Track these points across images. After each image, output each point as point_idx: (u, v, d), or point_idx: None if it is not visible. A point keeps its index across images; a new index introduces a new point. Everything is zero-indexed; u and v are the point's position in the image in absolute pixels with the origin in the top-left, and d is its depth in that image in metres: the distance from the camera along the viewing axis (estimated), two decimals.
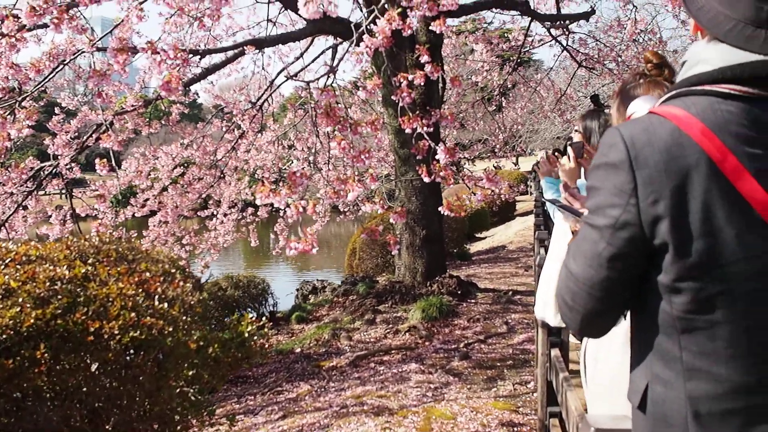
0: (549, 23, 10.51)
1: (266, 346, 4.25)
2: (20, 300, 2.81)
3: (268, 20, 8.78)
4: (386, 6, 4.25)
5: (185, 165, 9.39)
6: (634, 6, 10.51)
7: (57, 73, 5.47)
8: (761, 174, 1.07)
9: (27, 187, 6.71)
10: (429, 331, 7.63)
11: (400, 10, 4.15)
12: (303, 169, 4.47)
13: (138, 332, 3.01)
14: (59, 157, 6.50)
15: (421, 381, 5.92)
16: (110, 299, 3.08)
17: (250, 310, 10.24)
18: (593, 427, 1.64)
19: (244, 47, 6.84)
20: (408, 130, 4.64)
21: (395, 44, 4.97)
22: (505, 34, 13.25)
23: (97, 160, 6.02)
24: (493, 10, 9.92)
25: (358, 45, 4.20)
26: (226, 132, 9.20)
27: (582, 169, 2.44)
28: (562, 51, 11.27)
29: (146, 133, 7.13)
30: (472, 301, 8.90)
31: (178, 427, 3.47)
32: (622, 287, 1.20)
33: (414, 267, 9.23)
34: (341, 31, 7.45)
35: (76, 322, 2.86)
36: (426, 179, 4.85)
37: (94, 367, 2.95)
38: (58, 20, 4.30)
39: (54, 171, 6.71)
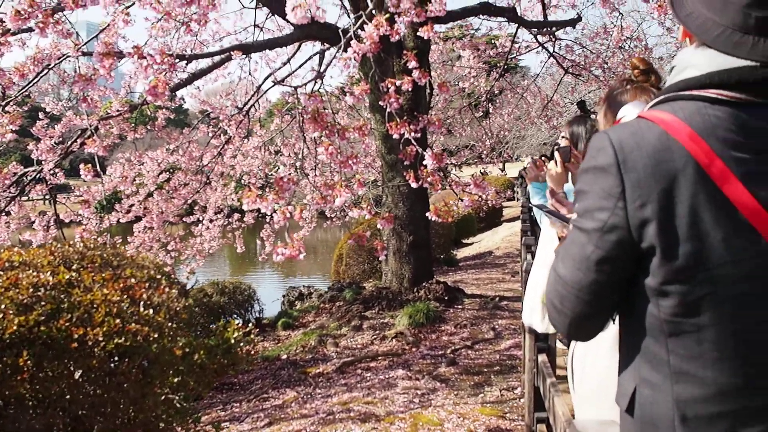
0: (536, 30, 10.56)
1: (252, 352, 4.21)
2: (3, 306, 2.78)
3: (255, 25, 8.80)
4: (374, 12, 4.26)
5: (171, 170, 9.34)
6: (620, 13, 10.59)
7: (42, 77, 5.43)
8: (748, 178, 1.07)
9: (10, 192, 6.65)
10: (416, 337, 7.62)
11: (387, 15, 4.16)
12: (290, 174, 4.45)
13: (123, 339, 2.98)
14: (43, 162, 6.45)
15: (408, 387, 5.91)
16: (95, 305, 3.05)
17: (236, 316, 10.17)
18: None
19: (231, 52, 6.83)
20: (395, 136, 4.64)
21: (383, 50, 4.97)
22: (492, 41, 13.29)
23: (81, 166, 5.98)
24: (481, 16, 9.96)
25: (345, 50, 4.20)
26: (212, 137, 9.17)
27: (569, 174, 2.45)
28: (549, 57, 11.33)
29: (132, 138, 7.09)
30: (459, 307, 8.90)
31: None
32: (610, 290, 1.20)
33: (401, 273, 9.22)
34: (329, 37, 7.46)
35: (59, 329, 2.83)
36: (413, 185, 4.85)
37: (77, 374, 2.92)
38: (43, 24, 4.28)
39: (38, 176, 6.66)
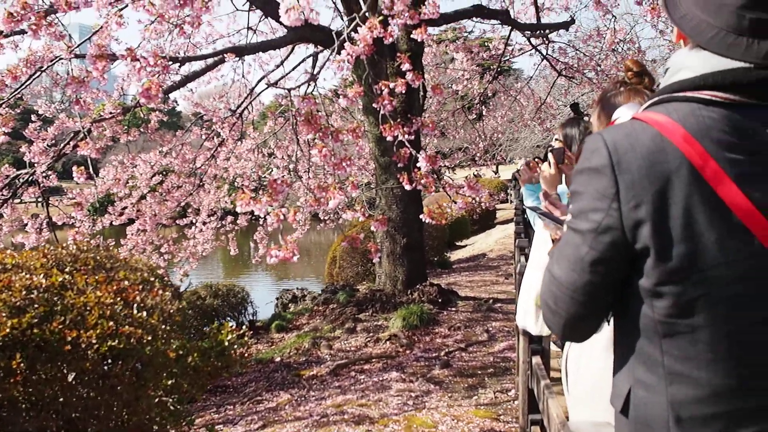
0: (529, 32, 10.59)
1: (246, 355, 4.21)
2: None
3: (249, 28, 8.78)
4: (367, 14, 4.26)
5: (164, 173, 9.33)
6: (613, 16, 10.63)
7: (34, 79, 5.41)
8: (742, 179, 1.08)
9: (2, 195, 6.62)
10: (410, 339, 7.62)
11: (381, 18, 4.16)
12: (283, 176, 4.45)
13: (116, 341, 2.97)
14: (36, 164, 6.43)
15: (401, 389, 5.90)
16: (88, 308, 3.04)
17: (229, 319, 10.15)
18: None
19: (224, 55, 6.82)
20: (389, 138, 4.64)
21: (376, 52, 4.97)
22: (486, 43, 13.35)
23: (74, 168, 5.96)
24: (474, 19, 9.98)
25: (339, 53, 4.20)
26: (205, 140, 9.16)
27: (563, 176, 2.45)
28: (542, 60, 11.36)
29: (125, 140, 7.09)
30: (453, 309, 8.90)
31: None
32: (604, 291, 1.21)
33: (394, 275, 9.22)
34: (322, 39, 7.46)
35: (52, 332, 2.82)
36: (407, 187, 4.85)
37: (71, 376, 2.90)
38: (35, 26, 4.26)
39: (30, 179, 6.63)
